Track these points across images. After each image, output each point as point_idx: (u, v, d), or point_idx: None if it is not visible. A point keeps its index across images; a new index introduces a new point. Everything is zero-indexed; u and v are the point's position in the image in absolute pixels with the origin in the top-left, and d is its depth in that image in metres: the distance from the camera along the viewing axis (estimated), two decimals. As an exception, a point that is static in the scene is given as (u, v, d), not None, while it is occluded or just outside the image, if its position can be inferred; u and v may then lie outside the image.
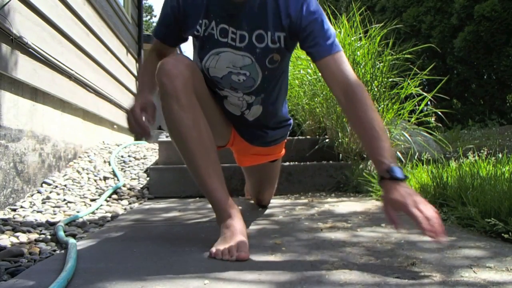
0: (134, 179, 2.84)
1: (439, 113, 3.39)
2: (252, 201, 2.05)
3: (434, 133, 2.91)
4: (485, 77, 6.16)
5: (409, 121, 2.75)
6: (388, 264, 0.98)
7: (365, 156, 2.57)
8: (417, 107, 2.71)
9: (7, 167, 2.11)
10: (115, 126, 4.44)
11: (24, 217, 1.92)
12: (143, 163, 3.26)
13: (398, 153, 2.60)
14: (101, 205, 2.22)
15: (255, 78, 1.28)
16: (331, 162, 2.66)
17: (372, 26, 2.68)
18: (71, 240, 1.28)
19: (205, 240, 1.27)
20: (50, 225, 1.76)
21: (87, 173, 2.84)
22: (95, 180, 2.74)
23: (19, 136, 2.26)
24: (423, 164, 2.15)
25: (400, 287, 0.82)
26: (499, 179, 1.51)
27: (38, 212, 2.03)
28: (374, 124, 1.10)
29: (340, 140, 2.64)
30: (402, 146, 2.65)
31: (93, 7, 3.77)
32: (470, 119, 6.03)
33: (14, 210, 2.04)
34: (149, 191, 2.57)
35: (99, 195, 2.42)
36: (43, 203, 2.20)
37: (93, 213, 2.05)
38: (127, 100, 5.00)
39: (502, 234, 1.18)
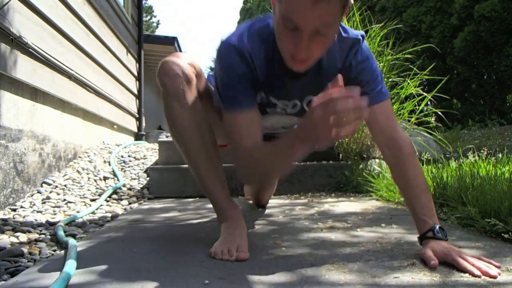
0: (134, 179, 2.84)
1: (439, 113, 3.39)
2: (251, 201, 2.05)
3: (434, 133, 2.91)
4: (485, 77, 6.16)
5: (409, 121, 2.75)
6: (388, 264, 0.98)
7: (365, 156, 2.57)
8: (417, 107, 2.71)
9: (7, 167, 2.11)
10: (115, 126, 4.44)
11: (24, 217, 1.92)
12: (143, 163, 3.26)
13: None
14: (101, 205, 2.22)
15: (299, 116, 1.28)
16: (331, 162, 2.66)
17: (372, 26, 2.68)
18: (71, 240, 1.28)
19: (205, 240, 1.27)
20: (50, 225, 1.76)
21: (87, 173, 2.84)
22: (95, 180, 2.74)
23: (19, 136, 2.26)
24: (423, 164, 2.15)
25: (400, 287, 0.82)
26: (499, 179, 1.51)
27: (38, 212, 2.03)
28: (418, 182, 1.10)
29: (340, 140, 2.64)
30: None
31: (93, 7, 3.77)
32: (470, 119, 6.03)
33: (14, 210, 2.04)
34: (149, 191, 2.57)
35: (99, 195, 2.42)
36: (43, 203, 2.20)
37: (93, 213, 2.05)
38: (127, 100, 5.01)
39: (502, 234, 1.18)
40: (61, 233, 1.50)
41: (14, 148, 2.19)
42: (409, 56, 2.77)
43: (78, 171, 2.86)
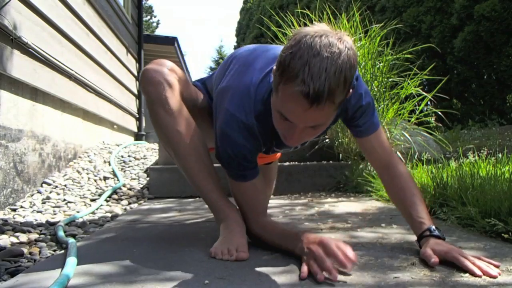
0: (134, 179, 2.84)
1: (439, 113, 3.39)
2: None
3: (434, 133, 2.91)
4: (485, 77, 6.15)
5: (409, 121, 2.75)
6: (388, 264, 0.98)
7: (365, 156, 2.57)
8: (417, 107, 2.71)
9: (7, 167, 2.11)
10: (115, 126, 4.44)
11: (24, 217, 1.92)
12: (143, 163, 3.26)
13: (398, 153, 2.61)
14: (101, 205, 2.22)
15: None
16: (331, 162, 2.66)
17: (372, 26, 2.68)
18: (71, 240, 1.28)
19: (205, 240, 1.27)
20: (50, 225, 1.76)
21: (87, 173, 2.84)
22: (95, 180, 2.74)
23: (19, 136, 2.26)
24: (423, 164, 2.15)
25: (400, 287, 0.82)
26: (499, 179, 1.51)
27: (38, 212, 2.03)
28: (414, 192, 1.17)
29: (340, 140, 2.64)
30: (402, 146, 2.65)
31: (93, 7, 3.77)
32: (470, 119, 6.03)
33: (14, 210, 2.04)
34: (149, 191, 2.57)
35: (99, 195, 2.42)
36: (43, 203, 2.20)
37: (93, 213, 2.05)
38: (127, 100, 5.00)
39: (502, 234, 1.18)
40: (61, 233, 1.50)
41: (14, 148, 2.19)
42: (409, 56, 2.77)
43: (78, 171, 2.86)
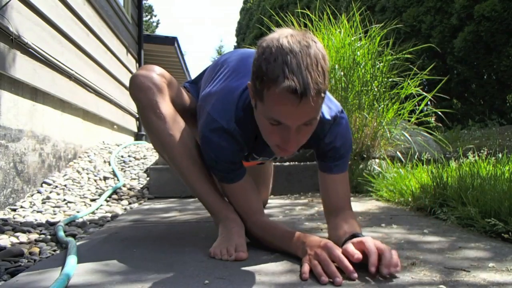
0: (134, 179, 2.84)
1: (439, 113, 3.39)
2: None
3: (434, 133, 2.91)
4: (485, 77, 6.16)
5: (409, 121, 2.75)
6: (388, 264, 0.98)
7: (365, 156, 2.57)
8: (417, 107, 2.71)
9: (7, 167, 2.11)
10: (115, 126, 4.44)
11: (24, 217, 1.92)
12: (143, 163, 3.26)
13: (398, 153, 2.61)
14: (101, 205, 2.22)
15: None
16: (331, 162, 2.66)
17: (372, 26, 2.68)
18: (71, 240, 1.28)
19: (205, 240, 1.27)
20: (50, 225, 1.76)
21: (87, 173, 2.84)
22: (95, 180, 2.74)
23: (19, 136, 2.26)
24: (423, 164, 2.15)
25: (400, 287, 0.82)
26: (499, 179, 1.51)
27: (38, 212, 2.03)
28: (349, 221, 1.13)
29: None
30: (402, 146, 2.65)
31: (93, 7, 3.77)
32: (470, 119, 6.03)
33: (14, 210, 2.04)
34: (149, 191, 2.57)
35: (99, 195, 2.42)
36: (43, 203, 2.20)
37: (93, 213, 2.05)
38: (127, 100, 5.01)
39: (502, 234, 1.18)
40: (61, 233, 1.50)
41: (14, 148, 2.19)
42: (409, 56, 2.77)
43: (78, 171, 2.86)
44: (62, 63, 2.88)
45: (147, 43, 6.43)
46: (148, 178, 2.77)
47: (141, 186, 2.67)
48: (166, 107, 1.16)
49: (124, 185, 2.66)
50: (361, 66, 2.62)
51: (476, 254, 1.04)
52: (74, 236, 1.56)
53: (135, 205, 2.29)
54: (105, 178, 2.79)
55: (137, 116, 5.53)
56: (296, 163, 2.64)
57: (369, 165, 2.50)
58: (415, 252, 1.08)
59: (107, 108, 4.11)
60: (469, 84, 6.25)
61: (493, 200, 1.31)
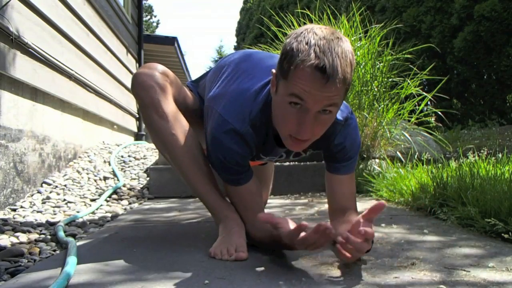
0: (134, 179, 2.84)
1: (439, 113, 3.39)
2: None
3: (434, 133, 2.91)
4: (485, 77, 6.16)
5: (409, 121, 2.75)
6: (388, 264, 0.98)
7: (365, 156, 2.57)
8: (417, 107, 2.72)
9: (7, 167, 2.11)
10: (115, 126, 4.44)
11: (24, 217, 1.92)
12: (143, 163, 3.26)
13: (398, 153, 2.61)
14: (101, 205, 2.22)
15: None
16: (331, 162, 2.65)
17: (372, 26, 2.68)
18: (71, 240, 1.28)
19: (205, 240, 1.27)
20: (50, 225, 1.76)
21: (87, 173, 2.84)
22: (95, 180, 2.74)
23: (19, 136, 2.26)
24: (423, 164, 2.15)
25: (400, 287, 0.82)
26: (499, 179, 1.51)
27: (38, 212, 2.03)
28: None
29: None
30: (402, 146, 2.65)
31: (93, 7, 3.77)
32: (470, 119, 6.03)
33: (14, 210, 2.04)
34: (149, 191, 2.57)
35: (99, 195, 2.42)
36: (43, 203, 2.20)
37: (93, 213, 2.05)
38: (127, 100, 5.01)
39: (502, 234, 1.18)
40: (61, 233, 1.50)
41: (14, 148, 2.19)
42: (409, 56, 2.77)
43: (78, 171, 2.86)
44: (62, 63, 2.88)
45: (147, 43, 6.43)
46: (148, 178, 2.77)
47: (141, 186, 2.68)
48: (168, 106, 1.15)
49: (124, 185, 2.66)
50: (361, 66, 2.62)
51: (476, 254, 1.04)
52: (74, 236, 1.56)
53: (135, 205, 2.29)
54: (105, 178, 2.79)
55: (137, 116, 5.53)
56: (296, 163, 2.64)
57: (369, 165, 2.51)
58: (415, 252, 1.08)
59: (107, 108, 4.11)
60: (469, 84, 6.25)
61: (493, 200, 1.31)
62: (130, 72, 5.21)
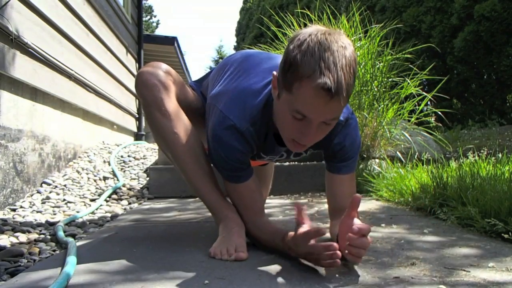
0: (134, 179, 2.84)
1: (439, 113, 3.39)
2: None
3: (434, 133, 2.91)
4: (485, 77, 6.16)
5: (409, 121, 2.75)
6: (388, 264, 0.98)
7: (365, 156, 2.57)
8: (417, 107, 2.71)
9: (6, 167, 2.11)
10: (115, 126, 4.44)
11: (23, 217, 1.92)
12: (142, 163, 3.26)
13: (398, 153, 2.61)
14: (101, 205, 2.22)
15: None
16: (331, 162, 2.65)
17: (372, 26, 2.68)
18: (71, 240, 1.28)
19: (205, 240, 1.27)
20: (50, 225, 1.76)
21: (87, 173, 2.84)
22: (95, 180, 2.74)
23: (19, 136, 2.26)
24: (423, 164, 2.15)
25: (400, 287, 0.82)
26: (499, 179, 1.51)
27: (37, 212, 2.03)
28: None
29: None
30: (402, 146, 2.65)
31: (93, 7, 3.76)
32: (470, 119, 6.03)
33: (14, 210, 2.04)
34: (149, 191, 2.57)
35: (99, 195, 2.42)
36: (43, 203, 2.20)
37: (92, 213, 2.05)
38: (127, 100, 5.00)
39: (502, 234, 1.18)
40: (61, 233, 1.50)
41: (14, 148, 2.19)
42: (409, 56, 2.77)
43: (78, 171, 2.86)
44: (62, 63, 2.88)
45: (147, 43, 6.42)
46: (148, 178, 2.77)
47: (141, 186, 2.67)
48: (171, 104, 1.16)
49: (124, 185, 2.66)
50: (361, 66, 2.62)
51: (476, 254, 1.04)
52: (73, 236, 1.56)
53: (135, 205, 2.29)
54: (104, 178, 2.79)
55: (137, 116, 5.53)
56: (296, 163, 2.64)
57: (369, 165, 2.50)
58: (415, 252, 1.08)
59: (107, 108, 4.11)
60: (469, 84, 6.26)
61: (493, 200, 1.31)
62: (130, 72, 5.21)
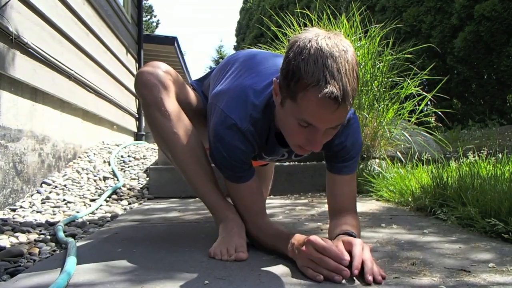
0: (134, 179, 2.84)
1: (439, 113, 3.39)
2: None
3: (434, 133, 2.91)
4: (485, 77, 6.16)
5: (409, 121, 2.75)
6: (388, 264, 0.98)
7: (365, 156, 2.57)
8: (417, 107, 2.71)
9: (6, 167, 2.11)
10: (114, 126, 4.44)
11: (23, 217, 1.92)
12: (142, 163, 3.26)
13: (398, 153, 2.60)
14: (101, 205, 2.22)
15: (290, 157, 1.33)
16: (331, 162, 2.65)
17: (372, 26, 2.68)
18: (71, 240, 1.28)
19: (205, 240, 1.27)
20: (50, 225, 1.76)
21: (87, 173, 2.84)
22: (95, 180, 2.74)
23: (19, 136, 2.26)
24: (423, 164, 2.15)
25: (400, 287, 0.82)
26: (499, 179, 1.51)
27: (37, 212, 2.03)
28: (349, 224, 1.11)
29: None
30: (402, 146, 2.65)
31: (92, 7, 3.76)
32: (470, 119, 6.04)
33: (14, 210, 2.03)
34: (149, 191, 2.57)
35: (99, 195, 2.42)
36: (43, 203, 2.20)
37: (92, 213, 2.05)
38: (127, 100, 5.00)
39: (502, 234, 1.18)
40: (60, 233, 1.49)
41: (13, 148, 2.19)
42: (409, 56, 2.77)
43: (77, 171, 2.86)
44: (61, 63, 2.88)
45: (147, 43, 6.42)
46: (148, 178, 2.77)
47: (141, 186, 2.67)
48: (171, 104, 1.15)
49: (124, 185, 2.65)
50: (361, 66, 2.62)
51: (476, 254, 1.04)
52: (73, 236, 1.55)
53: (135, 205, 2.29)
54: (104, 178, 2.79)
55: (137, 116, 5.53)
56: (296, 163, 2.64)
57: (369, 165, 2.50)
58: (415, 252, 1.08)
59: (107, 108, 4.10)
60: (469, 84, 6.26)
61: (493, 200, 1.31)
62: (130, 72, 5.21)
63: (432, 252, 1.08)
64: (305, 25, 2.75)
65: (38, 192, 2.36)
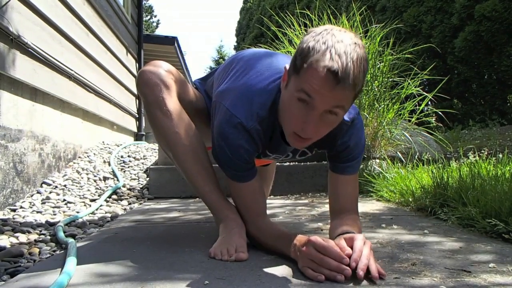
0: (134, 179, 2.84)
1: (440, 113, 3.39)
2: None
3: (434, 133, 2.90)
4: (485, 77, 6.15)
5: (409, 121, 2.75)
6: (389, 265, 0.98)
7: (365, 156, 2.57)
8: (417, 107, 2.71)
9: (6, 167, 2.11)
10: (115, 126, 4.44)
11: (23, 217, 1.92)
12: (143, 163, 3.26)
13: (398, 153, 2.60)
14: (101, 206, 2.22)
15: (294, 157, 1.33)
16: (331, 162, 2.65)
17: (373, 26, 2.68)
18: (71, 241, 1.28)
19: (205, 240, 1.27)
20: (50, 225, 1.76)
21: (87, 174, 2.84)
22: (95, 181, 2.74)
23: (19, 136, 2.26)
24: (423, 164, 2.15)
25: (400, 287, 0.82)
26: (500, 179, 1.51)
27: (37, 212, 2.03)
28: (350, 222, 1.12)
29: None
30: (403, 146, 2.64)
31: (92, 7, 3.76)
32: (471, 119, 6.03)
33: (14, 210, 2.03)
34: (149, 191, 2.57)
35: (99, 196, 2.42)
36: (43, 203, 2.20)
37: (92, 213, 2.05)
38: (127, 100, 5.00)
39: (503, 235, 1.18)
40: (61, 233, 1.49)
41: (13, 148, 2.19)
42: (409, 56, 2.77)
43: (78, 171, 2.86)
44: (61, 63, 2.88)
45: (147, 43, 6.42)
46: (148, 178, 2.77)
47: (141, 186, 2.67)
48: (172, 104, 1.15)
49: (124, 185, 2.65)
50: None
51: (477, 255, 1.04)
52: (74, 236, 1.55)
53: (135, 206, 2.29)
54: (105, 179, 2.79)
55: (137, 116, 5.53)
56: (296, 163, 2.63)
57: (369, 165, 2.50)
58: (415, 252, 1.08)
59: (107, 108, 4.10)
60: (470, 84, 6.25)
61: (493, 200, 1.31)
62: (130, 72, 5.21)
63: (432, 252, 1.08)
64: (305, 25, 2.75)
65: (38, 192, 2.36)
